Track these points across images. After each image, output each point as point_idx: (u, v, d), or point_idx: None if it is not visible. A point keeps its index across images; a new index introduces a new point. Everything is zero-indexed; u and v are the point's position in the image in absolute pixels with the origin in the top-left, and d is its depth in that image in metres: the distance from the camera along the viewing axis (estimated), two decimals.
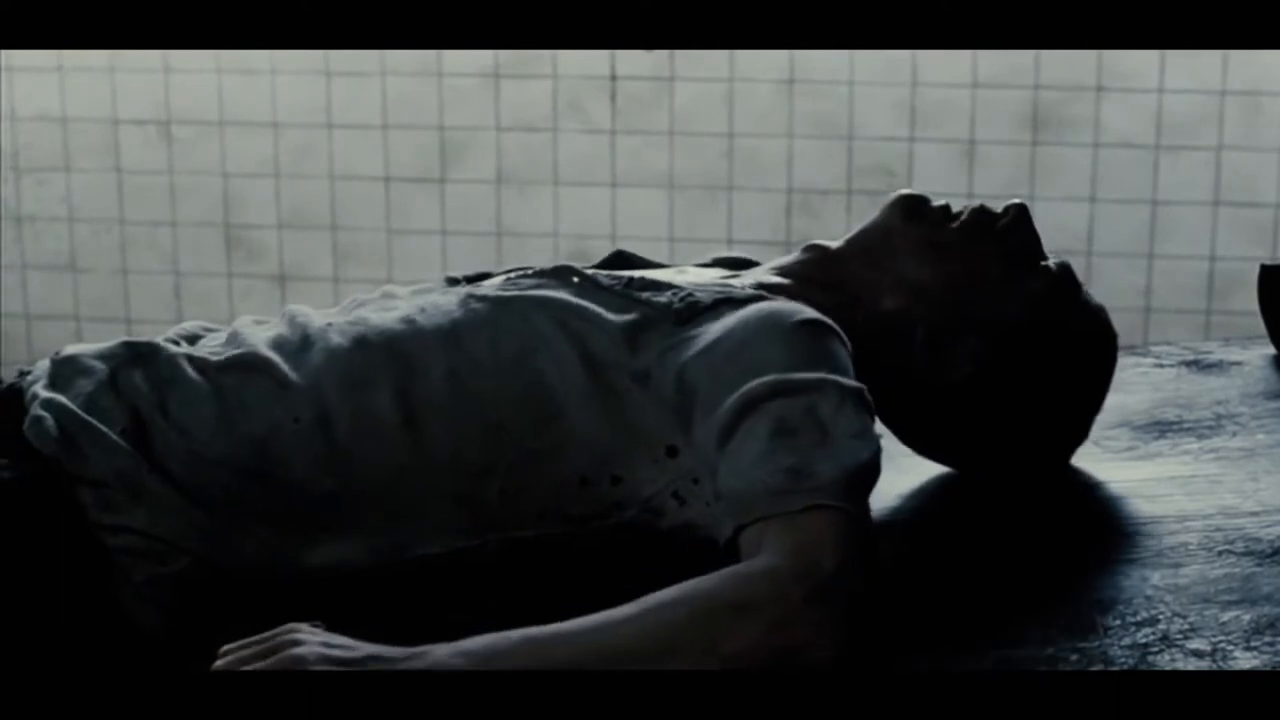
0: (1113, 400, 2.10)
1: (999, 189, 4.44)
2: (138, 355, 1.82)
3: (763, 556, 1.55)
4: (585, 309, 1.82)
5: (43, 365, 1.83)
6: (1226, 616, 1.66)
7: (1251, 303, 2.62)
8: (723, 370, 1.71)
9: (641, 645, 1.50)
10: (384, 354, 1.80)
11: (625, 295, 1.84)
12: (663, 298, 1.83)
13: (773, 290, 1.91)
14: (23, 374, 1.86)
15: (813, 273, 1.99)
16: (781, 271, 1.99)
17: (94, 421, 1.74)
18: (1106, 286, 4.41)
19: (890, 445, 1.94)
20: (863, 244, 2.01)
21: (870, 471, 1.64)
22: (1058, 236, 4.43)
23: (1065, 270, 2.01)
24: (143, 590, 1.69)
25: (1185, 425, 2.25)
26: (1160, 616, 1.66)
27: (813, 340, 1.73)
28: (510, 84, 4.61)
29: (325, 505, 1.75)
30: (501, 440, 1.77)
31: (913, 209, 2.00)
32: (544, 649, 1.50)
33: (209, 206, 4.82)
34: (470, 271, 2.04)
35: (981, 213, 1.99)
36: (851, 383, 1.69)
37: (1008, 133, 4.44)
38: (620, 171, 4.59)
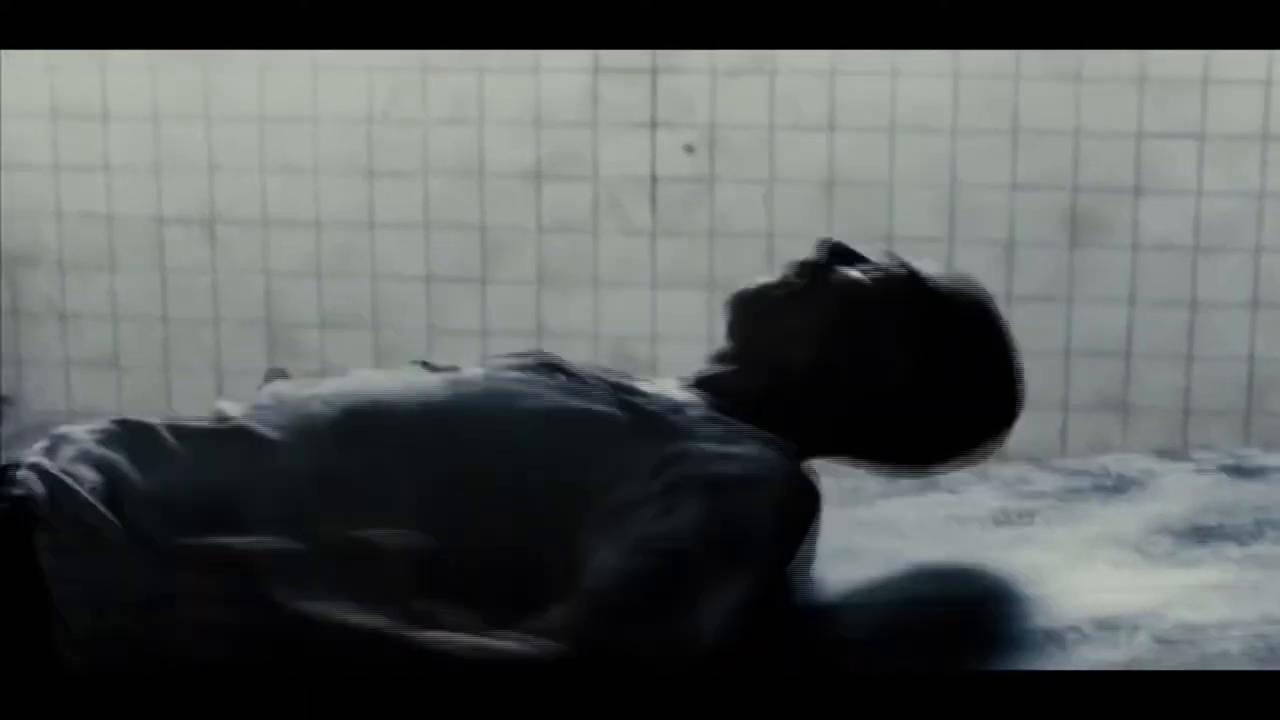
0: (1154, 506, 2.10)
1: (1037, 290, 4.45)
2: (125, 427, 1.91)
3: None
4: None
5: (42, 443, 1.91)
6: None
7: None
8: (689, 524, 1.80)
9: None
10: (369, 417, 1.87)
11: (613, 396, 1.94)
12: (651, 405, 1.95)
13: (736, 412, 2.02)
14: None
15: (735, 379, 2.09)
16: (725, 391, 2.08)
17: (65, 478, 1.80)
18: (1145, 388, 4.41)
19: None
20: (745, 339, 2.13)
21: (707, 649, 1.75)
22: (1096, 338, 4.44)
23: (904, 273, 2.13)
24: (77, 642, 1.73)
25: (1226, 531, 2.25)
26: None
27: (799, 525, 1.90)
28: (551, 184, 4.64)
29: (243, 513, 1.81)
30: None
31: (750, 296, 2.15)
32: None
33: (251, 305, 4.85)
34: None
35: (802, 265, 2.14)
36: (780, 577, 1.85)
37: (1046, 235, 4.45)
38: (660, 272, 4.61)
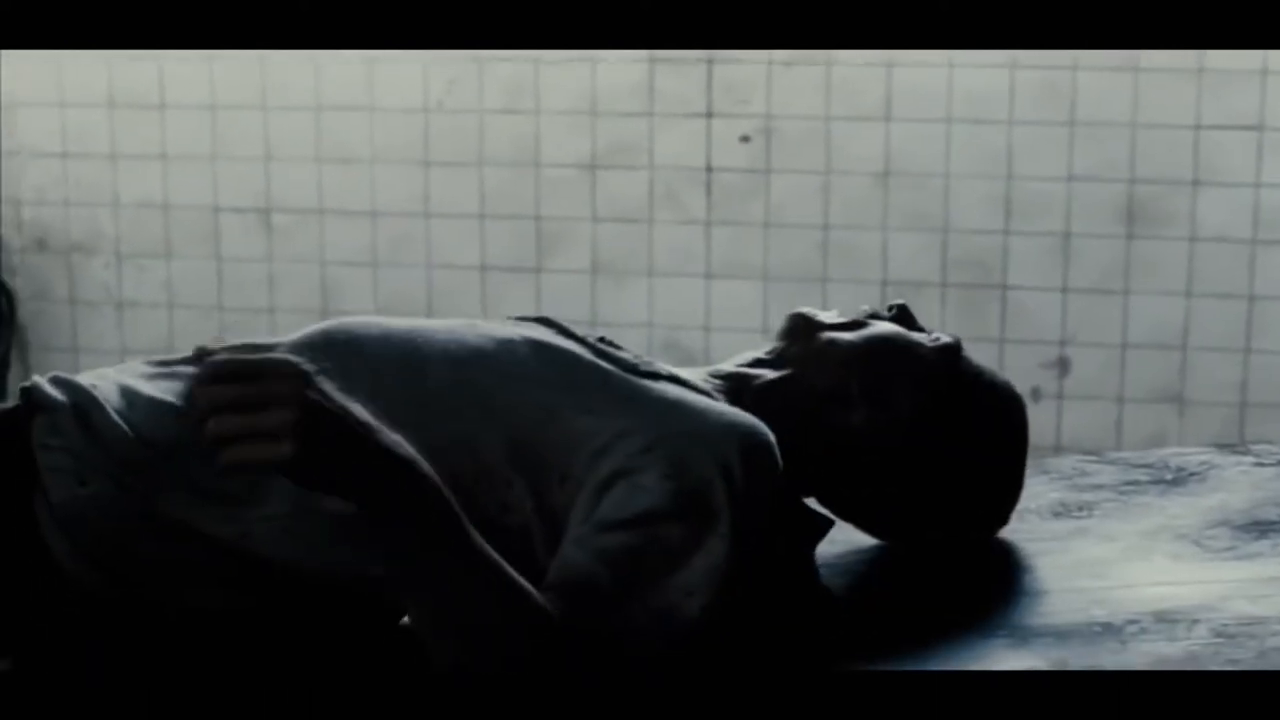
0: (1213, 499, 2.10)
1: (1093, 283, 4.44)
2: (154, 364, 1.99)
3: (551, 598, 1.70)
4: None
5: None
6: None
7: None
8: (648, 458, 1.82)
9: (455, 603, 1.63)
10: (380, 342, 1.95)
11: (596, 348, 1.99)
12: (627, 355, 1.99)
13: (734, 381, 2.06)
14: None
15: (763, 389, 2.09)
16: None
17: (72, 378, 1.92)
18: (1202, 382, 4.39)
19: None
20: (790, 361, 2.11)
21: (683, 633, 1.76)
22: (1153, 331, 4.42)
23: (955, 339, 2.12)
24: (59, 514, 1.82)
25: None
26: None
27: (762, 485, 1.86)
28: (606, 175, 4.64)
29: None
30: (444, 414, 1.88)
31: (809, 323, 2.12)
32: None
33: (307, 294, 4.87)
34: None
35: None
36: (745, 546, 1.82)
37: (1103, 226, 4.44)
38: (715, 263, 4.61)
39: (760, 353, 2.13)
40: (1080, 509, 2.33)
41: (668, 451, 1.83)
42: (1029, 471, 2.47)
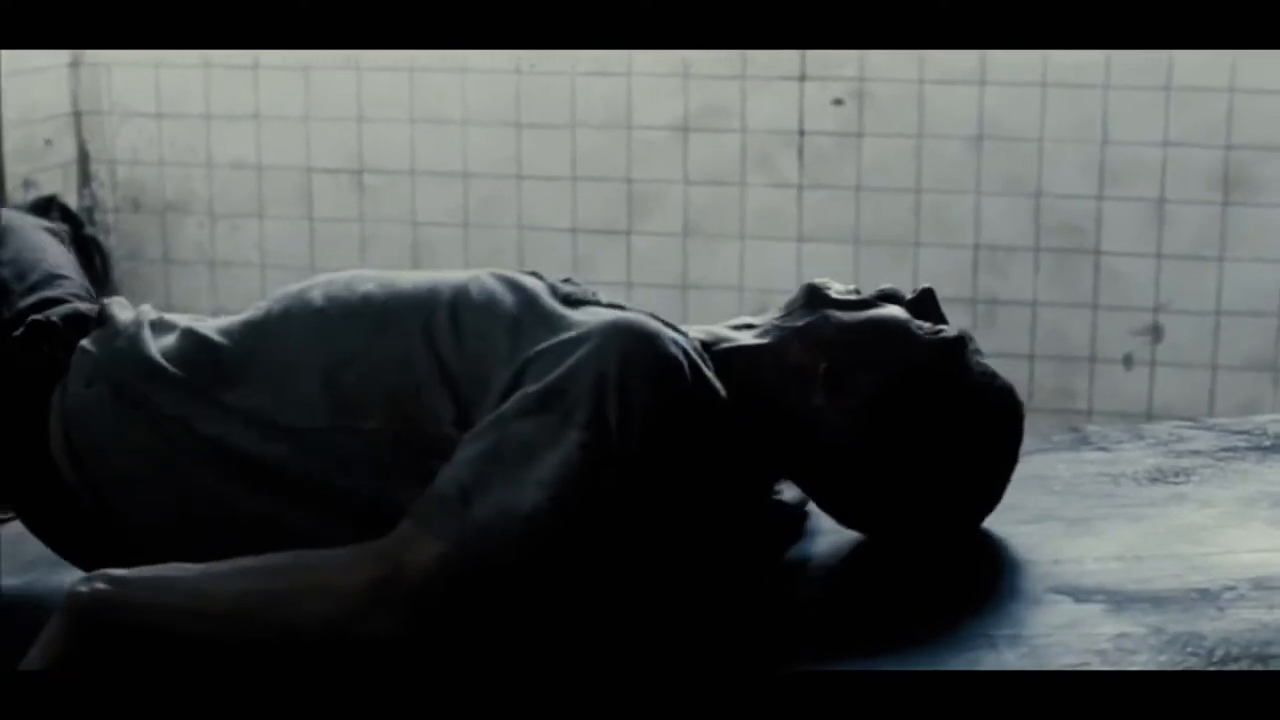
0: None
1: (1188, 249, 4.40)
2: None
3: (372, 551, 1.78)
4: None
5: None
6: None
7: None
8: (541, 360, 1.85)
9: (240, 605, 1.76)
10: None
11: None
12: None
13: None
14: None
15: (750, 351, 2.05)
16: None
17: (139, 308, 2.13)
18: None
19: None
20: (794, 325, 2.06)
21: (534, 528, 1.77)
22: (1247, 298, 4.38)
23: (961, 335, 2.04)
24: (60, 406, 1.98)
25: None
26: None
27: (637, 383, 1.82)
28: (699, 137, 4.63)
29: (233, 360, 1.98)
30: (370, 337, 1.96)
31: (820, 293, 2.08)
32: (168, 587, 1.78)
33: (398, 255, 4.88)
34: None
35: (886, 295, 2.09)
36: (611, 447, 1.80)
37: (1198, 192, 4.40)
38: (806, 226, 4.60)
39: (759, 318, 2.09)
40: (1177, 475, 2.31)
41: (551, 358, 1.84)
42: (1124, 437, 2.46)
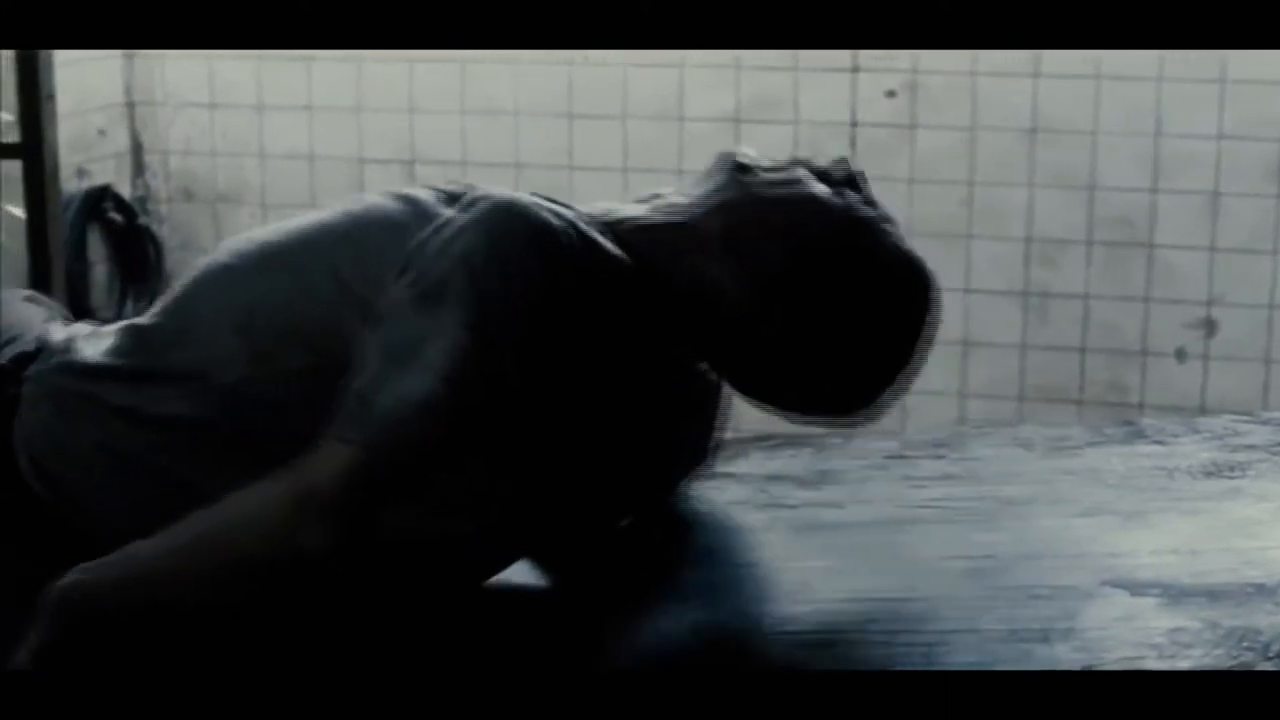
0: None
1: (1242, 242, 4.38)
2: None
3: (288, 471, 1.78)
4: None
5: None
6: None
7: None
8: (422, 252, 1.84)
9: (194, 556, 1.77)
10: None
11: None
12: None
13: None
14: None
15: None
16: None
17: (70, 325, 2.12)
18: None
19: None
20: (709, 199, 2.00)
21: (431, 411, 1.76)
22: None
23: (877, 215, 1.97)
24: (22, 438, 1.96)
25: None
26: None
27: (514, 254, 1.81)
28: (751, 129, 4.63)
29: (162, 336, 1.98)
30: (274, 279, 1.96)
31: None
32: (134, 557, 1.78)
33: None
34: None
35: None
36: (496, 321, 1.79)
37: (1253, 185, 4.38)
38: None
39: (669, 188, 2.05)
40: (1233, 469, 2.30)
41: (428, 250, 1.83)
42: (1179, 431, 2.45)
